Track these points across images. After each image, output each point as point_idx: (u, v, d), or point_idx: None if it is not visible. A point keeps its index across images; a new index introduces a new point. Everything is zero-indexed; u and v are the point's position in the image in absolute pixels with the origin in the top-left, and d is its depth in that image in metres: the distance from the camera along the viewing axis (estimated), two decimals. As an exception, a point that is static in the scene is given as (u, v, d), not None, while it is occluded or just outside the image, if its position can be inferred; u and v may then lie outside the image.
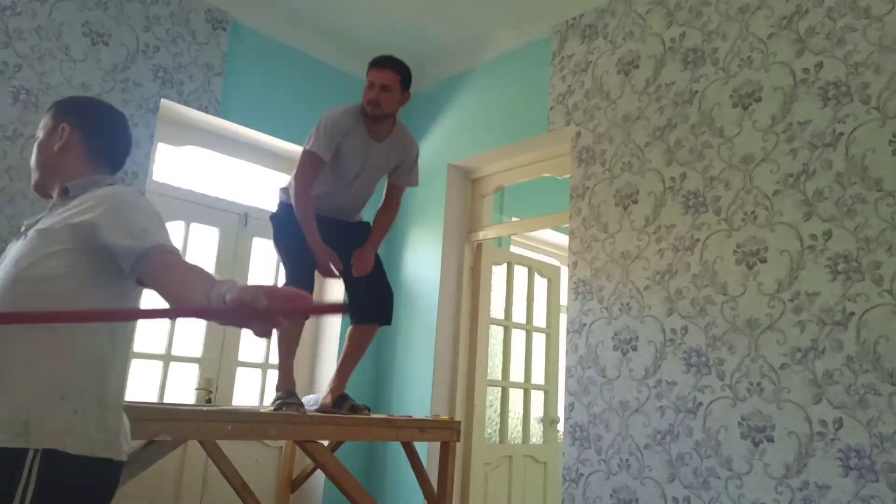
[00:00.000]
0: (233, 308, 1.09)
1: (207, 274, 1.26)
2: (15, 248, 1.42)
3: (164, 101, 3.24)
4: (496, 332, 3.95)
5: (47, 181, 1.53)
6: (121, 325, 1.43)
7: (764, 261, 2.43)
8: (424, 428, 2.72)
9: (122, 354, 1.43)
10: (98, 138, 1.56)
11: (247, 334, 3.67)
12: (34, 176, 1.56)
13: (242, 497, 2.72)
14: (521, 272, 4.15)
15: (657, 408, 2.60)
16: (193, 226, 3.52)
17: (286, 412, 2.40)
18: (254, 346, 3.70)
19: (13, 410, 1.25)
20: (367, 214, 3.00)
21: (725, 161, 2.62)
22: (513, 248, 4.63)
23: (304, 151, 2.59)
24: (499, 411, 3.96)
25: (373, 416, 2.77)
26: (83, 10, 3.02)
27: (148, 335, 3.31)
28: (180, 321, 3.41)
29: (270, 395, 3.70)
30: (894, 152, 2.20)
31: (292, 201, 2.61)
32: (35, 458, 1.24)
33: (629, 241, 2.85)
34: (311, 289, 2.70)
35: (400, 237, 4.02)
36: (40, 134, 1.56)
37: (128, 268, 1.33)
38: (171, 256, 1.33)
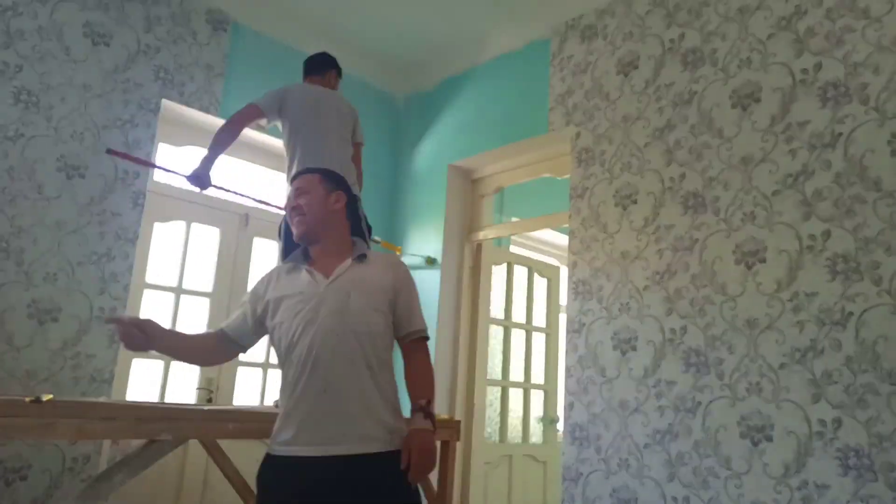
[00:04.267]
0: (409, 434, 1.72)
1: (426, 387, 1.83)
2: (330, 296, 1.79)
3: (165, 102, 3.25)
4: (496, 332, 3.96)
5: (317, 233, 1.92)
6: None
7: (763, 261, 2.44)
8: (424, 428, 2.72)
9: None
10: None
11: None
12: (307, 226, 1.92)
13: (243, 497, 2.73)
14: (520, 272, 4.16)
15: (656, 407, 2.61)
16: (194, 226, 3.53)
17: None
18: (254, 347, 3.70)
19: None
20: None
21: (724, 161, 2.62)
22: (513, 248, 4.64)
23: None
24: (499, 411, 3.97)
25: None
26: (84, 10, 3.03)
27: (149, 335, 3.31)
28: (181, 322, 3.42)
29: (271, 394, 3.71)
30: (893, 152, 2.21)
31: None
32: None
33: (628, 241, 2.86)
34: None
35: (400, 237, 4.02)
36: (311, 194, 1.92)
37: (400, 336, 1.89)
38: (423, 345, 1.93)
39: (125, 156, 2.83)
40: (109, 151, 2.76)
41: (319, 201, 1.88)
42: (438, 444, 1.86)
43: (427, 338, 1.92)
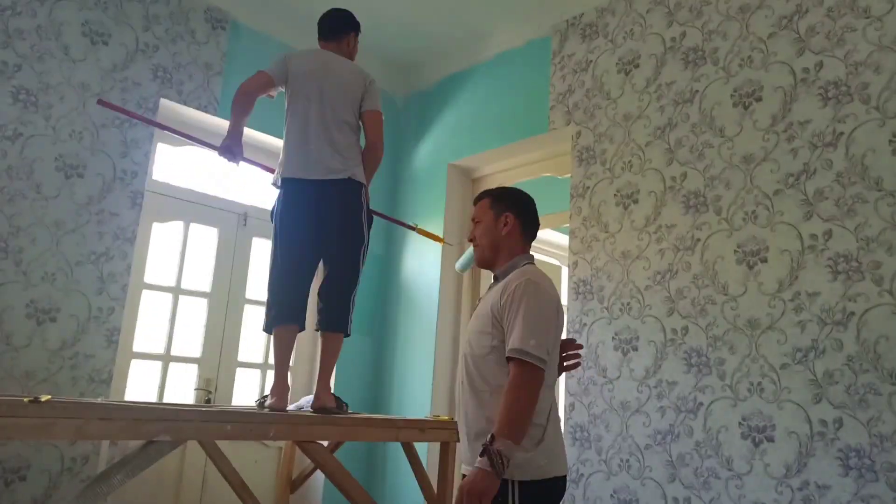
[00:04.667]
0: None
1: (500, 418, 1.63)
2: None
3: (163, 101, 3.24)
4: (496, 332, 3.95)
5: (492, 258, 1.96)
6: None
7: (764, 260, 2.43)
8: (424, 428, 2.72)
9: None
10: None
11: (245, 334, 3.66)
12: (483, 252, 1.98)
13: (242, 497, 2.72)
14: (520, 272, 4.14)
15: (657, 408, 2.60)
16: (193, 226, 3.52)
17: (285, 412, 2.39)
18: (253, 347, 3.70)
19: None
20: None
21: (726, 161, 2.62)
22: (513, 248, 4.62)
23: (381, 114, 2.63)
24: (499, 411, 3.96)
25: (373, 416, 2.76)
26: (83, 9, 3.01)
27: (147, 336, 3.31)
28: (179, 322, 3.41)
29: (273, 398, 3.70)
30: (894, 152, 2.20)
31: None
32: None
33: (630, 240, 2.85)
34: (300, 282, 2.51)
35: (400, 237, 4.02)
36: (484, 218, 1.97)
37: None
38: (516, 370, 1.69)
39: (119, 109, 2.62)
40: (101, 102, 2.56)
41: (489, 229, 1.95)
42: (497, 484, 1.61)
43: (522, 360, 1.66)
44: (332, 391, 2.64)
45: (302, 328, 2.55)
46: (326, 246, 2.50)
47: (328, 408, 2.50)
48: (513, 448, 1.59)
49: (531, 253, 1.98)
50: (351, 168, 2.50)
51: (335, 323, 2.49)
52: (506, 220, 1.93)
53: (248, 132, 3.63)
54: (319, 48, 2.68)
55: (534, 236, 2.00)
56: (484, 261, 1.99)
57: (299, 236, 2.50)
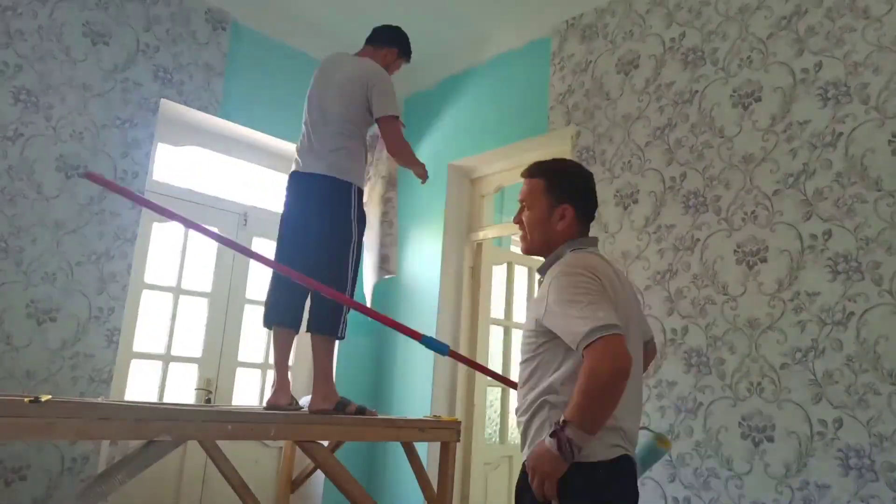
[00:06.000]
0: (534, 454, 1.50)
1: (573, 401, 1.42)
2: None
3: (164, 101, 3.24)
4: (496, 332, 3.95)
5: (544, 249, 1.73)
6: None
7: (764, 260, 2.43)
8: (424, 428, 2.72)
9: None
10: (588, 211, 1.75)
11: (245, 334, 3.67)
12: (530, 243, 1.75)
13: (242, 497, 2.72)
14: (521, 272, 4.15)
15: (657, 408, 2.60)
16: (193, 226, 3.52)
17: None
18: (253, 347, 3.70)
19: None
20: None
21: (725, 161, 2.62)
22: (513, 248, 4.63)
23: (394, 118, 2.54)
24: (499, 411, 3.96)
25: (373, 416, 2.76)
26: (84, 10, 3.02)
27: (148, 335, 3.31)
28: (180, 322, 3.42)
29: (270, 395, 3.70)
30: (893, 152, 2.20)
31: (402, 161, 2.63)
32: None
33: (629, 240, 2.86)
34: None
35: (400, 237, 4.02)
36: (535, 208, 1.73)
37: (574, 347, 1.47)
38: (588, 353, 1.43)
39: (107, 183, 2.33)
40: (88, 175, 2.22)
41: (541, 222, 1.70)
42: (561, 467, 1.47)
43: (588, 345, 1.41)
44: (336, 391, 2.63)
45: (297, 330, 2.56)
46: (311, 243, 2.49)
47: (322, 409, 2.48)
48: (585, 438, 1.41)
49: (589, 235, 1.73)
50: (333, 166, 2.47)
51: (319, 325, 2.45)
52: (563, 213, 1.68)
53: (255, 135, 3.64)
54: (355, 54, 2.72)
55: (592, 218, 1.75)
56: (533, 252, 1.76)
57: (286, 233, 2.53)
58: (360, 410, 2.54)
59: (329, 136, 2.50)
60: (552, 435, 1.44)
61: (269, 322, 2.53)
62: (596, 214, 1.79)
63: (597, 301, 1.47)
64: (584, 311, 1.45)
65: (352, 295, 2.52)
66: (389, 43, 2.76)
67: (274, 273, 2.54)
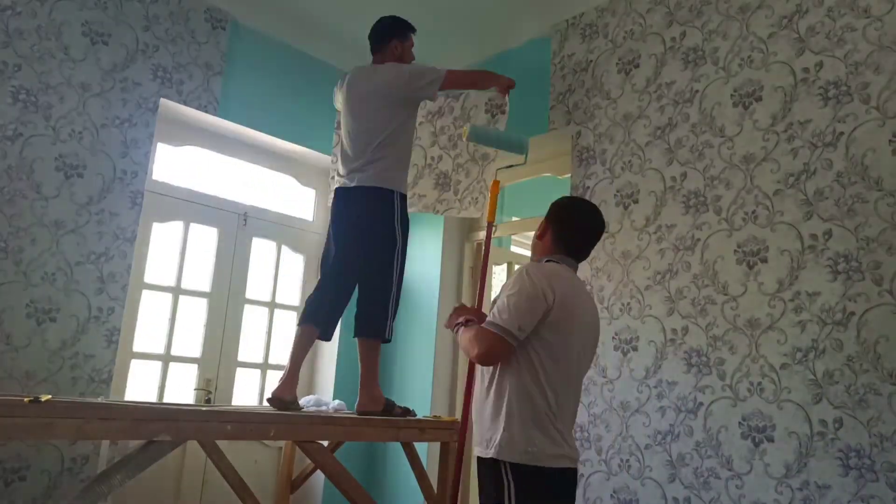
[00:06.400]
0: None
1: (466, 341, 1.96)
2: None
3: (163, 101, 3.24)
4: (496, 332, 3.94)
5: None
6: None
7: (764, 260, 2.43)
8: (424, 428, 2.72)
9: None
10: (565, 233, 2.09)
11: (245, 334, 3.67)
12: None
13: (242, 497, 2.72)
14: (520, 272, 4.14)
15: (658, 408, 2.60)
16: (193, 226, 3.52)
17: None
18: (252, 347, 3.70)
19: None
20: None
21: (726, 160, 2.62)
22: (513, 248, 4.63)
23: (442, 78, 2.78)
24: (499, 411, 3.95)
25: (373, 416, 2.76)
26: (83, 9, 3.01)
27: (147, 335, 3.31)
28: (179, 322, 3.41)
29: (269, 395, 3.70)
30: (894, 152, 2.20)
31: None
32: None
33: (629, 240, 2.85)
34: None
35: (400, 237, 4.01)
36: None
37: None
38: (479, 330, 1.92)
39: None
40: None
41: (535, 235, 2.13)
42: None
43: (483, 326, 1.92)
44: (334, 391, 2.71)
45: (323, 336, 2.69)
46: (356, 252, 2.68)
47: (370, 411, 2.61)
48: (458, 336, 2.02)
49: (565, 256, 2.06)
50: (375, 177, 2.63)
51: (367, 328, 2.63)
52: (542, 229, 2.10)
53: (254, 135, 3.64)
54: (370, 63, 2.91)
55: (573, 245, 2.08)
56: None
57: (335, 246, 2.73)
58: (406, 412, 2.72)
59: (367, 148, 2.66)
60: (464, 322, 2.03)
61: (306, 320, 2.66)
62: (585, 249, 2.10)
63: (515, 306, 1.84)
64: (504, 306, 1.86)
65: (397, 301, 2.68)
66: (388, 38, 2.88)
67: (322, 279, 2.72)
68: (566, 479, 1.86)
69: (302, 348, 2.64)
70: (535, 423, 1.82)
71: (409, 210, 2.79)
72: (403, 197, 2.71)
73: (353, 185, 2.65)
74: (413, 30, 2.97)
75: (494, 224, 2.66)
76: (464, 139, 2.31)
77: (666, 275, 2.70)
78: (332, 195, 2.82)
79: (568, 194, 3.15)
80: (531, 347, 1.86)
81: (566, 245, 2.06)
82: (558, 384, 1.87)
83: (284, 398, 2.53)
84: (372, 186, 2.62)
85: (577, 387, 1.99)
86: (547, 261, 2.02)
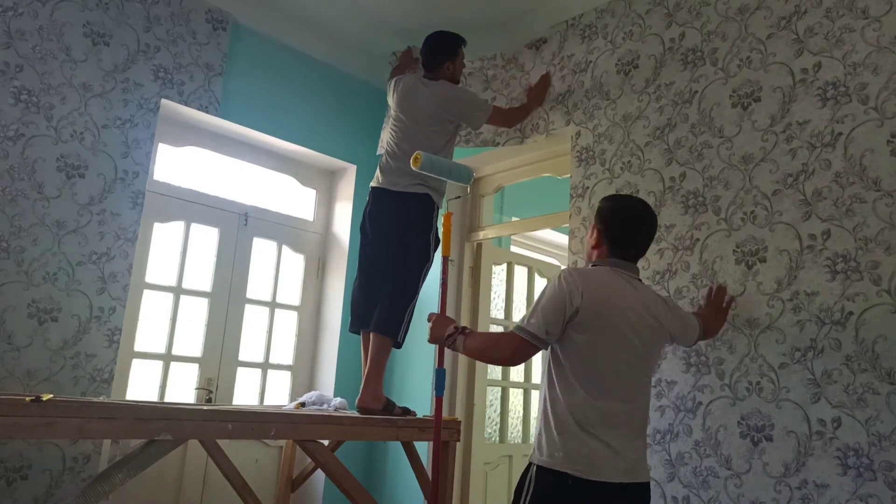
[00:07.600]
0: None
1: (476, 343, 2.06)
2: None
3: (164, 102, 3.25)
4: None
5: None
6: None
7: (763, 260, 2.44)
8: (424, 428, 2.73)
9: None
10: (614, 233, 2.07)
11: (246, 334, 3.67)
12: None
13: (242, 496, 2.73)
14: (521, 272, 4.16)
15: (657, 407, 2.61)
16: (193, 226, 3.53)
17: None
18: (253, 347, 3.71)
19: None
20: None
21: (725, 161, 2.62)
22: (513, 248, 4.64)
23: (487, 113, 3.03)
24: (499, 411, 3.97)
25: (373, 416, 2.77)
26: (84, 10, 3.03)
27: (149, 335, 3.32)
28: (181, 321, 3.42)
29: (270, 395, 3.72)
30: (892, 152, 2.21)
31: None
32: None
33: (629, 240, 2.86)
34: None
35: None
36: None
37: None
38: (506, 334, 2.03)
39: None
40: None
41: (587, 239, 2.14)
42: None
43: (511, 330, 1.97)
44: (337, 390, 2.77)
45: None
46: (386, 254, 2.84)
47: (371, 408, 2.65)
48: (461, 344, 2.04)
49: (615, 258, 2.02)
50: (419, 185, 2.78)
51: (382, 325, 2.72)
52: (591, 231, 2.10)
53: (255, 135, 3.65)
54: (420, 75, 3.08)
55: (621, 242, 2.03)
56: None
57: (370, 243, 2.90)
58: (406, 412, 2.79)
59: (406, 162, 2.79)
60: (460, 330, 2.07)
61: (356, 328, 2.85)
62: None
63: (542, 308, 1.87)
64: (532, 309, 1.91)
65: (412, 313, 2.81)
66: (442, 58, 3.02)
67: (358, 281, 2.88)
68: (603, 493, 1.76)
69: (366, 353, 2.79)
70: (565, 430, 1.82)
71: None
72: (438, 209, 2.88)
73: (397, 189, 2.82)
74: (462, 44, 3.12)
75: (451, 259, 2.75)
76: (415, 167, 2.38)
77: (665, 275, 2.70)
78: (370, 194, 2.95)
79: (569, 196, 3.16)
80: (563, 354, 1.89)
81: (612, 242, 2.03)
82: (595, 388, 1.83)
83: (367, 406, 2.70)
84: (416, 193, 2.80)
85: (632, 391, 1.89)
86: (592, 265, 2.04)
